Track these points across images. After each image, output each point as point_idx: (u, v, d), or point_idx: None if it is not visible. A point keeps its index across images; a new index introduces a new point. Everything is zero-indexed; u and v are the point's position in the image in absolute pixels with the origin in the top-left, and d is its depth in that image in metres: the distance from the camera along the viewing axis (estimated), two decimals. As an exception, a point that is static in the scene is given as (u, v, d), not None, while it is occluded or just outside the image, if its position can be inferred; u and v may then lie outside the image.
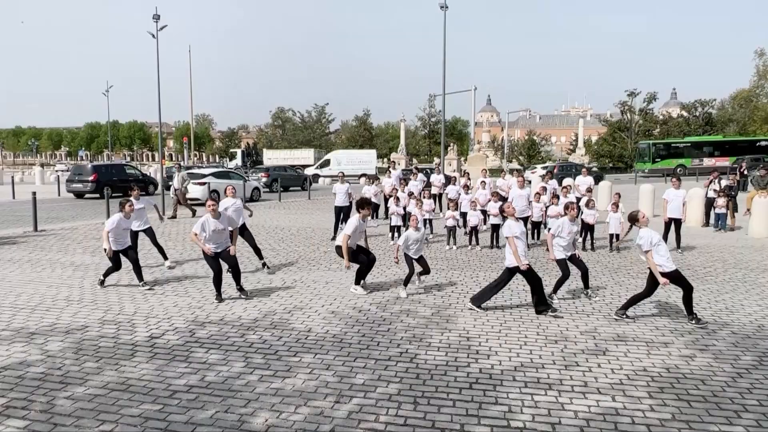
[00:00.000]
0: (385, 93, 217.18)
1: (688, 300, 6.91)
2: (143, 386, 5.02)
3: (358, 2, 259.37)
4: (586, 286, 8.19)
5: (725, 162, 43.96)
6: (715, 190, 15.55)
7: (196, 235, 7.76)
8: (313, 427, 4.30)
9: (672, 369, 5.51)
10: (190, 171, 26.54)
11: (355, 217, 8.41)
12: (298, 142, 74.81)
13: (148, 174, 35.34)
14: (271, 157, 55.89)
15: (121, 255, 8.56)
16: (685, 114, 64.11)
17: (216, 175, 24.12)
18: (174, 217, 17.54)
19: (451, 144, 59.13)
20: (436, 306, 7.66)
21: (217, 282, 7.84)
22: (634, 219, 7.24)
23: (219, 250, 7.89)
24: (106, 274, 8.64)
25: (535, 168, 43.14)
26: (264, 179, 30.37)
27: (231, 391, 4.93)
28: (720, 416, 4.54)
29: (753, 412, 4.62)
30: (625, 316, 7.06)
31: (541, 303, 7.26)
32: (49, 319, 6.99)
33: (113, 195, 22.23)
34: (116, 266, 8.55)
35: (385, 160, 64.38)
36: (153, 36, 40.31)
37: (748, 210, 15.19)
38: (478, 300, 7.44)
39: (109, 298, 7.99)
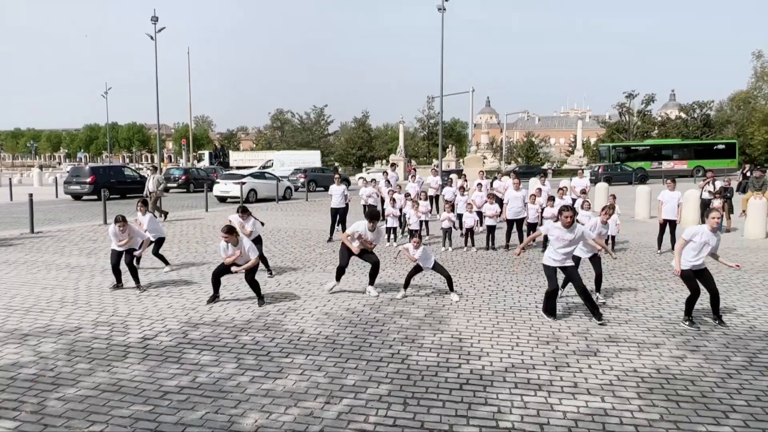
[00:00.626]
0: (384, 95, 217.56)
1: (690, 303, 6.94)
2: (134, 387, 5.04)
3: (357, 4, 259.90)
4: (598, 289, 8.15)
5: (684, 165, 44.98)
6: (710, 192, 15.60)
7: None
8: (303, 427, 4.32)
9: (662, 370, 5.53)
10: (230, 173, 29.40)
11: (364, 224, 8.26)
12: (297, 144, 74.83)
13: (146, 176, 35.38)
14: (237, 159, 56.85)
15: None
16: (683, 115, 64.23)
17: (253, 175, 26.61)
18: (163, 217, 17.59)
19: (450, 145, 59.23)
20: (429, 307, 7.68)
21: (215, 281, 7.87)
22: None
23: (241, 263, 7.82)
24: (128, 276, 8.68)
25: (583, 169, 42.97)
26: (302, 180, 32.02)
27: (222, 392, 4.94)
28: (708, 416, 4.56)
29: (741, 412, 4.64)
30: (718, 321, 7.00)
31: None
32: (42, 321, 7.00)
33: (111, 197, 22.40)
34: (114, 269, 8.62)
35: (384, 162, 64.47)
36: (151, 38, 40.47)
37: (744, 211, 15.24)
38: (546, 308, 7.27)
39: (104, 300, 8.01)
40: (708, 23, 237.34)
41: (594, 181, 39.34)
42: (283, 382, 5.16)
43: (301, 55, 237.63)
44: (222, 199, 24.62)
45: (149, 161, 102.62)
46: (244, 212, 9.56)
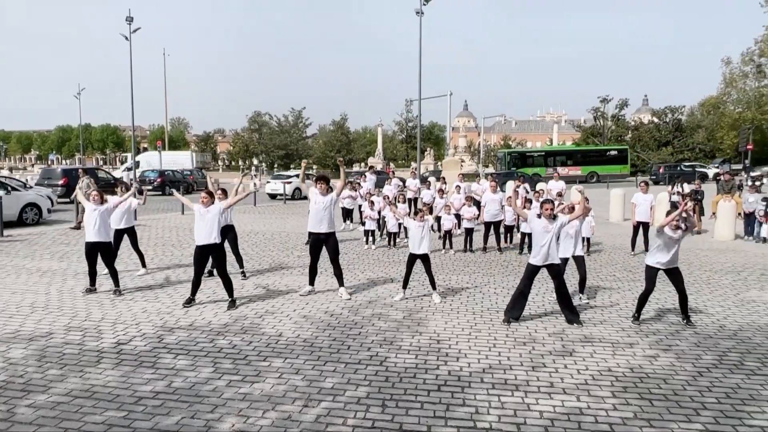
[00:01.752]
0: (362, 98, 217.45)
1: (643, 300, 7.23)
2: (108, 393, 4.94)
3: (337, 6, 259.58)
4: (582, 290, 8.25)
5: (578, 171, 45.47)
6: (678, 193, 15.97)
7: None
8: (281, 431, 4.29)
9: (636, 369, 5.63)
10: (278, 174, 32.68)
11: (313, 190, 8.29)
12: (274, 147, 74.43)
13: (121, 178, 34.80)
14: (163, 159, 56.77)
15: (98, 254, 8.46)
16: (655, 120, 65.54)
17: (298, 176, 29.69)
18: (78, 227, 15.13)
19: (428, 148, 59.52)
20: (407, 309, 7.70)
21: (195, 283, 7.80)
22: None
23: (201, 243, 7.66)
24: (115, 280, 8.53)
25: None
26: None
27: (198, 397, 4.88)
28: (680, 414, 4.66)
29: (711, 409, 4.75)
30: (686, 322, 7.12)
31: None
32: (12, 326, 6.82)
33: (83, 199, 21.90)
34: (91, 269, 8.46)
35: (363, 165, 64.51)
36: (126, 38, 39.86)
37: (714, 214, 15.62)
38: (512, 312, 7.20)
39: (76, 305, 7.84)
40: (679, 30, 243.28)
41: (655, 181, 39.63)
42: (260, 386, 5.12)
43: (280, 58, 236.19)
44: (272, 197, 28.58)
45: (122, 163, 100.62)
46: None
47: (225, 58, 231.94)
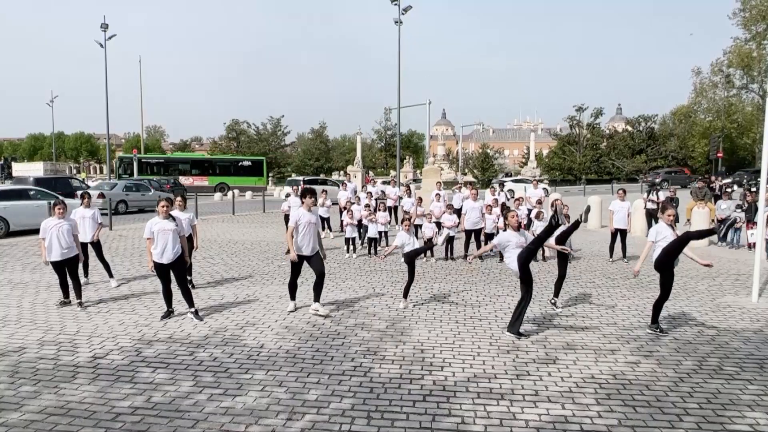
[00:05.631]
0: (342, 106, 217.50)
1: (658, 305, 7.19)
2: (84, 409, 4.79)
3: (316, 15, 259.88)
4: (557, 293, 8.32)
5: (204, 181, 43.61)
6: (652, 201, 16.26)
7: (149, 240, 7.38)
8: (264, 446, 4.20)
9: (618, 375, 5.67)
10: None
11: (301, 210, 7.78)
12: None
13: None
14: (18, 170, 56.45)
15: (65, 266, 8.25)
16: (629, 128, 66.91)
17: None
18: None
19: (407, 157, 59.74)
20: (390, 319, 7.65)
21: (166, 295, 7.61)
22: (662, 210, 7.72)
23: (166, 262, 7.38)
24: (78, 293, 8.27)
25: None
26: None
27: (178, 412, 4.76)
28: (663, 420, 4.69)
29: (693, 415, 4.79)
30: (658, 329, 7.11)
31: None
32: (-18, 341, 6.59)
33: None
34: (61, 281, 8.24)
35: (342, 173, 64.48)
36: (101, 45, 39.30)
37: (688, 220, 15.93)
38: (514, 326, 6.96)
39: (50, 318, 7.62)
40: (652, 41, 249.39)
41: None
42: (242, 399, 5.02)
43: (259, 65, 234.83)
44: None
45: (99, 172, 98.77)
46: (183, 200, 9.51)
47: (203, 65, 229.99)
